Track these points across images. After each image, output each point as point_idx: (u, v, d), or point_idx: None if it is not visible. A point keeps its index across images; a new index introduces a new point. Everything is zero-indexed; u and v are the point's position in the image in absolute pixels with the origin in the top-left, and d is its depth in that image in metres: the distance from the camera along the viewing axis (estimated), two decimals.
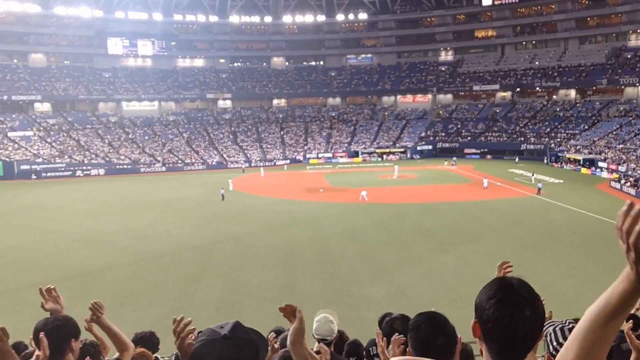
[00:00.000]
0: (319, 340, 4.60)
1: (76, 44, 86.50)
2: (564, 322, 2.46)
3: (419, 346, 2.62)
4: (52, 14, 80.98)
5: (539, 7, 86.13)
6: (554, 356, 2.34)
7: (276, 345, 5.03)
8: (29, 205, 44.55)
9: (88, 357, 4.03)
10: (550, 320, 4.26)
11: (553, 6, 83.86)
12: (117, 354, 3.62)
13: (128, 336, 6.47)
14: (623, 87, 74.20)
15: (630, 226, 1.39)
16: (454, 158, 70.75)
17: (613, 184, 49.43)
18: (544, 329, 2.62)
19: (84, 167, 67.73)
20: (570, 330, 2.38)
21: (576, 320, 2.57)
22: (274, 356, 3.48)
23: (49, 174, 64.44)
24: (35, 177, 63.45)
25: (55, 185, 56.79)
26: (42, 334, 2.80)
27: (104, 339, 4.49)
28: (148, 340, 6.06)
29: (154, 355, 5.94)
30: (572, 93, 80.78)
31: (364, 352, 5.75)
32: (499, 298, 1.79)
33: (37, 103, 79.83)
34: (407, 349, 2.75)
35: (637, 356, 3.31)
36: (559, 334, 2.37)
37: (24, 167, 64.48)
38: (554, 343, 2.36)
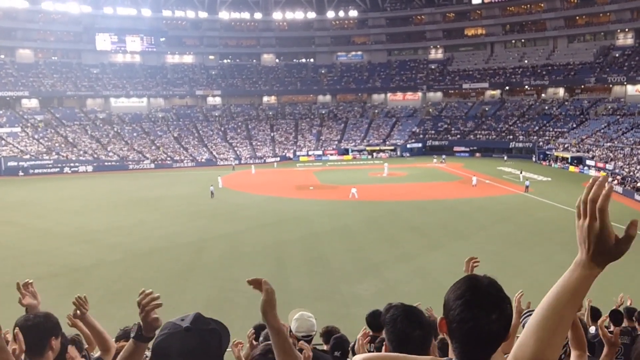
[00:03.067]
0: (301, 338, 4.57)
1: (64, 39, 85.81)
2: None
3: (395, 339, 2.64)
4: (39, 9, 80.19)
5: (528, 5, 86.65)
6: None
7: (254, 342, 5.00)
8: (16, 202, 44.12)
9: (71, 346, 3.97)
10: (527, 310, 4.28)
11: (542, 5, 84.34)
12: (98, 354, 3.55)
13: (116, 331, 6.43)
14: (611, 85, 74.83)
15: (595, 193, 1.47)
16: (443, 156, 70.99)
17: None
18: (522, 319, 2.60)
19: (72, 164, 67.23)
20: None
21: None
22: (255, 350, 3.47)
23: (36, 171, 63.85)
24: (22, 173, 62.84)
25: (43, 182, 56.29)
26: (17, 329, 2.76)
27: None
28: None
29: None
30: (561, 91, 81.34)
31: (350, 352, 5.73)
32: (466, 299, 1.76)
33: (24, 99, 79.09)
34: (384, 343, 2.77)
35: (607, 350, 3.35)
36: None
37: (11, 163, 63.88)
38: None
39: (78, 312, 3.35)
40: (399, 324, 2.68)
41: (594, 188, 1.49)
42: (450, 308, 1.79)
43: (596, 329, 5.31)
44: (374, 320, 5.59)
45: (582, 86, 78.76)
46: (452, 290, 1.83)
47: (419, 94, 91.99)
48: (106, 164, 69.21)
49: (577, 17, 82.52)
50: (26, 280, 3.28)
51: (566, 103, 78.42)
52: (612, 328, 6.50)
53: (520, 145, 73.29)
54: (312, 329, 4.65)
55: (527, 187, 45.45)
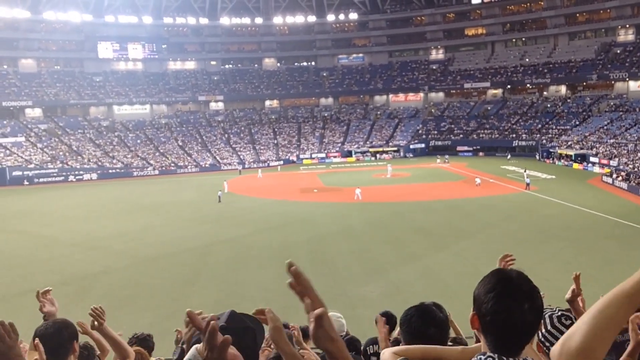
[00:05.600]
0: None
1: (66, 48, 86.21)
2: (553, 309, 2.50)
3: (411, 338, 2.67)
4: (41, 19, 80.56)
5: (528, 4, 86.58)
6: (542, 343, 2.38)
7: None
8: (22, 211, 44.31)
9: None
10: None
11: (542, 3, 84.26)
12: None
13: (124, 339, 6.52)
14: (613, 82, 74.65)
15: None
16: (446, 156, 70.92)
17: (605, 178, 49.70)
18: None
19: (77, 172, 67.44)
20: (559, 318, 2.41)
21: (567, 310, 2.62)
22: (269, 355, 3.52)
23: (41, 180, 64.07)
24: (27, 183, 63.09)
25: (48, 191, 56.51)
26: (37, 340, 2.82)
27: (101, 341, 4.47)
28: (143, 342, 6.18)
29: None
30: (563, 89, 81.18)
31: (362, 350, 5.78)
32: (498, 292, 1.81)
33: (28, 109, 79.49)
34: (400, 344, 2.81)
35: (634, 346, 3.28)
36: (547, 321, 2.41)
37: (16, 173, 64.10)
38: (543, 330, 2.40)
39: (96, 323, 3.40)
40: (414, 323, 2.72)
41: None
42: (482, 302, 1.82)
43: None
44: (386, 320, 5.61)
45: (584, 83, 78.62)
46: (482, 284, 1.87)
47: (421, 94, 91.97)
48: (110, 171, 69.41)
49: (578, 15, 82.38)
50: (45, 289, 3.35)
51: (568, 100, 78.27)
52: None
53: (524, 143, 73.18)
54: (341, 329, 4.65)
55: (527, 184, 45.44)
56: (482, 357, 1.87)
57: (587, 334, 1.55)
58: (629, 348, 3.22)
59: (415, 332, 2.68)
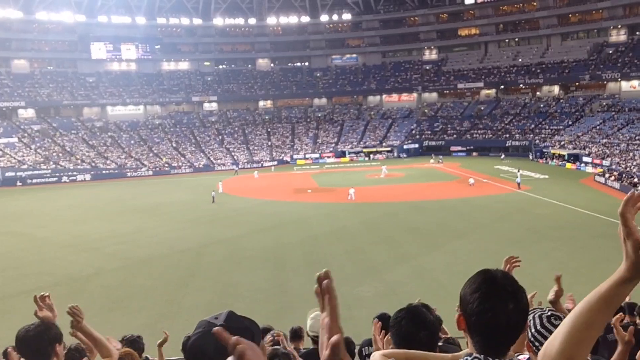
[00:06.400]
0: (314, 337, 4.61)
1: (59, 49, 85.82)
2: (544, 309, 2.52)
3: (401, 341, 2.65)
4: (34, 20, 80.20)
5: (521, 4, 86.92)
6: (532, 343, 2.39)
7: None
8: (15, 212, 44.07)
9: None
10: (531, 308, 4.30)
11: (535, 3, 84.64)
12: None
13: (115, 340, 6.51)
14: (605, 82, 75.03)
15: (627, 208, 1.52)
16: (440, 156, 71.02)
17: (597, 178, 49.95)
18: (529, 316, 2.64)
19: (70, 173, 67.16)
20: (548, 318, 2.43)
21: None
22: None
23: (34, 181, 63.77)
24: (20, 184, 62.79)
25: (41, 192, 56.22)
26: (9, 348, 2.81)
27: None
28: (133, 343, 6.17)
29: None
30: (556, 89, 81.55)
31: (357, 352, 5.80)
32: (483, 292, 1.82)
33: (20, 109, 79.07)
34: (390, 345, 2.80)
35: (622, 348, 3.32)
36: (537, 321, 2.43)
37: (9, 174, 63.81)
38: (532, 330, 2.41)
39: (74, 321, 3.38)
40: (404, 326, 2.71)
41: (627, 204, 1.57)
42: (468, 302, 1.84)
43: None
44: (383, 322, 5.62)
45: (577, 83, 79.04)
46: (468, 285, 1.89)
47: (414, 94, 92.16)
48: (104, 172, 69.14)
49: (570, 15, 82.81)
50: (42, 293, 3.32)
51: (561, 100, 78.64)
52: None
53: (517, 143, 73.45)
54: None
55: (518, 184, 45.65)
56: (469, 358, 1.88)
57: (566, 339, 1.57)
58: (618, 349, 3.23)
59: (405, 335, 2.67)
